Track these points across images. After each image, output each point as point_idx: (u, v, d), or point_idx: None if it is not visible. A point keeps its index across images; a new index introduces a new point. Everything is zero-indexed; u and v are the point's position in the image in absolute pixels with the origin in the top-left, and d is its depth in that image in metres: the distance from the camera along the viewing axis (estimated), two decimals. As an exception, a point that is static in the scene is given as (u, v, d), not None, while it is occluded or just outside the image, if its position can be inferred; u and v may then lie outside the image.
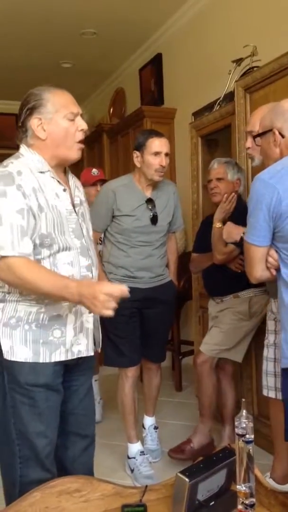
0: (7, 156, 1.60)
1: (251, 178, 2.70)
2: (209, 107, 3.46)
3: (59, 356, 1.57)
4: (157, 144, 2.44)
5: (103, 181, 3.20)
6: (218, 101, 3.32)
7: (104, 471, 2.50)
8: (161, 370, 2.84)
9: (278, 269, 1.68)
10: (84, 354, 1.64)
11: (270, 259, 1.67)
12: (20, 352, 1.53)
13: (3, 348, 1.54)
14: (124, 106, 5.69)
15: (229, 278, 2.61)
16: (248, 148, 2.19)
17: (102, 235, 2.64)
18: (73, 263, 1.58)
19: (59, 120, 1.57)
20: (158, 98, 4.89)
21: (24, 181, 1.50)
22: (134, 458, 2.59)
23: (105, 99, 6.17)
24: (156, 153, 2.43)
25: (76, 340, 1.61)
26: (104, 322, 2.55)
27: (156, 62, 4.87)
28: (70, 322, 1.59)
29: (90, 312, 1.59)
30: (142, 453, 2.61)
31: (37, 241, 1.52)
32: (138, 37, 4.84)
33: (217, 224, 2.58)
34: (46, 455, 1.60)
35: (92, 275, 1.65)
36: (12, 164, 1.53)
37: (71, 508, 1.40)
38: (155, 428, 2.85)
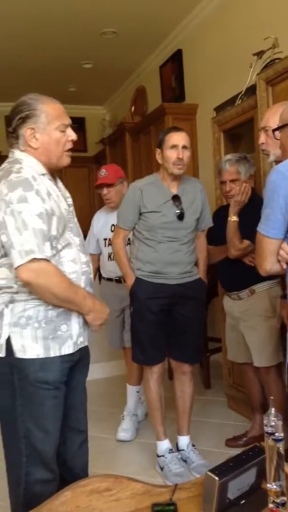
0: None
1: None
2: (231, 102, 3.43)
3: (68, 349, 1.65)
4: (174, 138, 2.48)
5: (109, 185, 3.07)
6: (240, 95, 3.29)
7: (135, 470, 2.52)
8: (194, 378, 2.73)
9: None
10: (85, 344, 1.75)
11: (282, 252, 1.64)
12: (31, 349, 1.59)
13: (14, 347, 1.59)
14: (146, 104, 5.69)
15: (243, 271, 2.60)
16: (262, 143, 2.17)
17: (131, 235, 2.66)
18: (76, 260, 1.67)
19: (52, 131, 1.63)
20: (179, 94, 4.87)
21: (40, 186, 1.57)
22: (163, 456, 2.59)
23: (126, 97, 6.18)
24: (173, 146, 2.47)
25: (80, 333, 1.71)
26: (132, 319, 2.59)
27: (177, 59, 4.86)
28: (74, 316, 1.68)
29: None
30: (171, 450, 2.61)
31: None
32: (157, 34, 4.84)
33: (232, 218, 2.57)
34: (51, 454, 1.66)
35: (90, 270, 1.76)
36: (24, 170, 1.58)
37: (101, 507, 1.41)
38: (193, 445, 2.68)
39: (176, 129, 2.56)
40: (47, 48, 4.94)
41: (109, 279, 3.16)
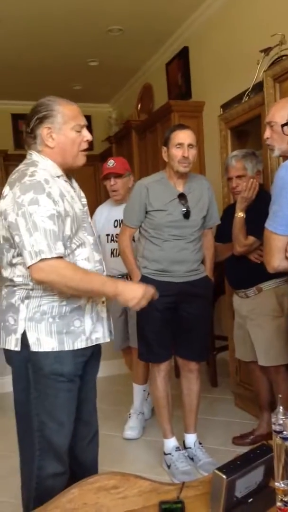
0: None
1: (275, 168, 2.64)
2: (238, 99, 3.42)
3: (81, 343, 1.69)
4: (180, 136, 2.47)
5: (116, 176, 3.03)
6: (247, 92, 3.27)
7: (142, 467, 2.52)
8: (201, 376, 2.72)
9: None
10: (101, 341, 1.77)
11: None
12: (46, 343, 1.63)
13: (29, 340, 1.63)
14: (152, 101, 5.68)
15: (250, 269, 2.59)
16: (267, 138, 2.14)
17: (137, 232, 2.65)
18: (89, 259, 1.72)
19: (67, 131, 1.68)
20: (185, 92, 4.86)
21: (52, 188, 1.61)
22: (170, 454, 2.58)
23: (132, 95, 6.17)
24: (179, 144, 2.46)
25: (94, 328, 1.73)
26: (138, 317, 2.59)
27: (183, 56, 4.84)
28: (87, 313, 1.72)
29: (103, 303, 1.77)
30: (178, 448, 2.60)
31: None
32: (164, 32, 4.82)
33: (239, 214, 2.57)
34: (65, 447, 1.69)
35: (103, 268, 1.80)
36: (38, 173, 1.62)
37: (109, 505, 1.42)
38: (200, 443, 2.68)
39: (181, 126, 2.55)
40: (53, 46, 4.94)
41: (111, 277, 3.11)
